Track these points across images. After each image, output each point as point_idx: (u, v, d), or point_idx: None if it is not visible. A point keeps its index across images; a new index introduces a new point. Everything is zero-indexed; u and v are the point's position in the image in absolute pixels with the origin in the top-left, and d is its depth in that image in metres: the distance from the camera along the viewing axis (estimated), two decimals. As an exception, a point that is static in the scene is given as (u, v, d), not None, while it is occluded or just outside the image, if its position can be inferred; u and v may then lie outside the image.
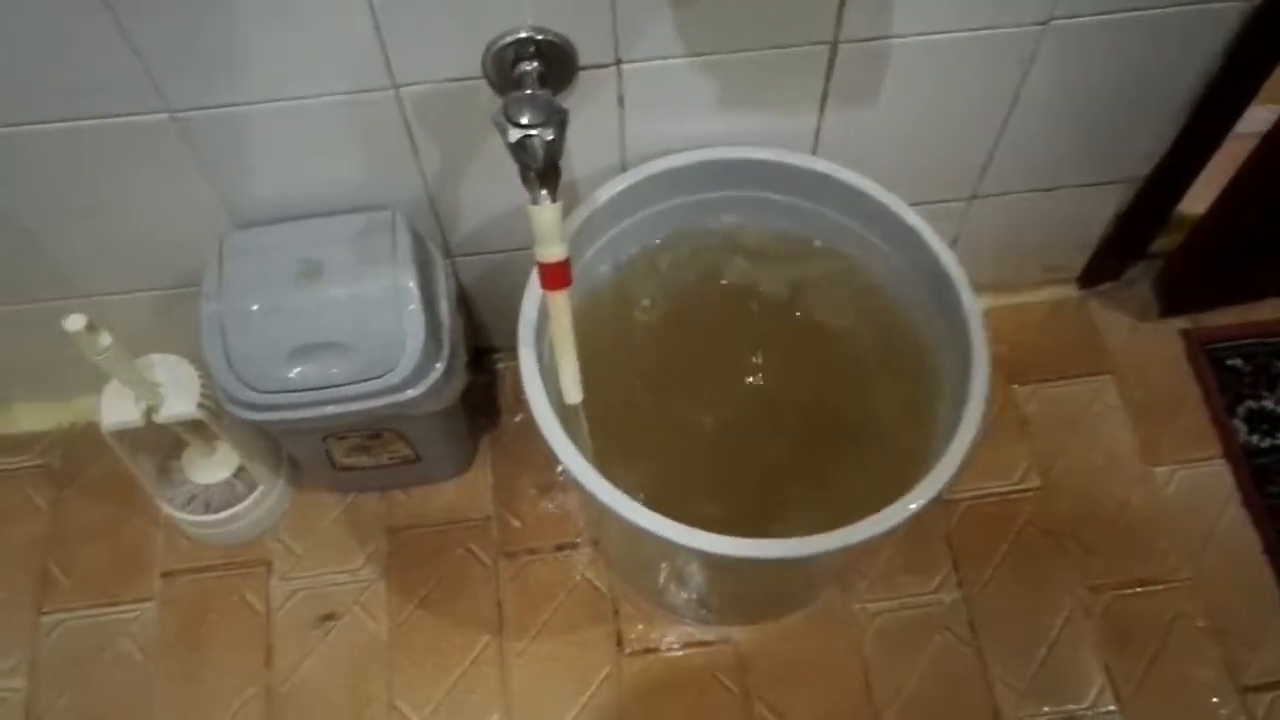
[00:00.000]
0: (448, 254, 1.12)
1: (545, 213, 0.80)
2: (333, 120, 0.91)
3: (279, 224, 1.00)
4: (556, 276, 0.83)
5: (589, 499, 0.84)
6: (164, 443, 1.18)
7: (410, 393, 0.98)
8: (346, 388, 0.97)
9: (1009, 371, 1.29)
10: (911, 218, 0.95)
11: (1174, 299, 1.32)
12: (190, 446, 1.16)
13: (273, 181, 0.98)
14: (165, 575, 1.19)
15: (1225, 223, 1.21)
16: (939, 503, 1.18)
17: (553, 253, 0.81)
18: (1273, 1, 0.91)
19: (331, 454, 1.12)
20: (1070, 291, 1.35)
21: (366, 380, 0.97)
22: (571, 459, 0.84)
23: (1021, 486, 1.22)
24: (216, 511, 1.16)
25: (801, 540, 0.80)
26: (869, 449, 0.96)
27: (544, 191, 0.80)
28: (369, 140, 0.95)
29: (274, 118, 0.90)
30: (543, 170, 0.79)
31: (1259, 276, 1.31)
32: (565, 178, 1.02)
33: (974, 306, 0.90)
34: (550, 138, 0.77)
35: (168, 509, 1.16)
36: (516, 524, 1.21)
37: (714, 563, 0.95)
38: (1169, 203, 1.20)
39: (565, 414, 0.90)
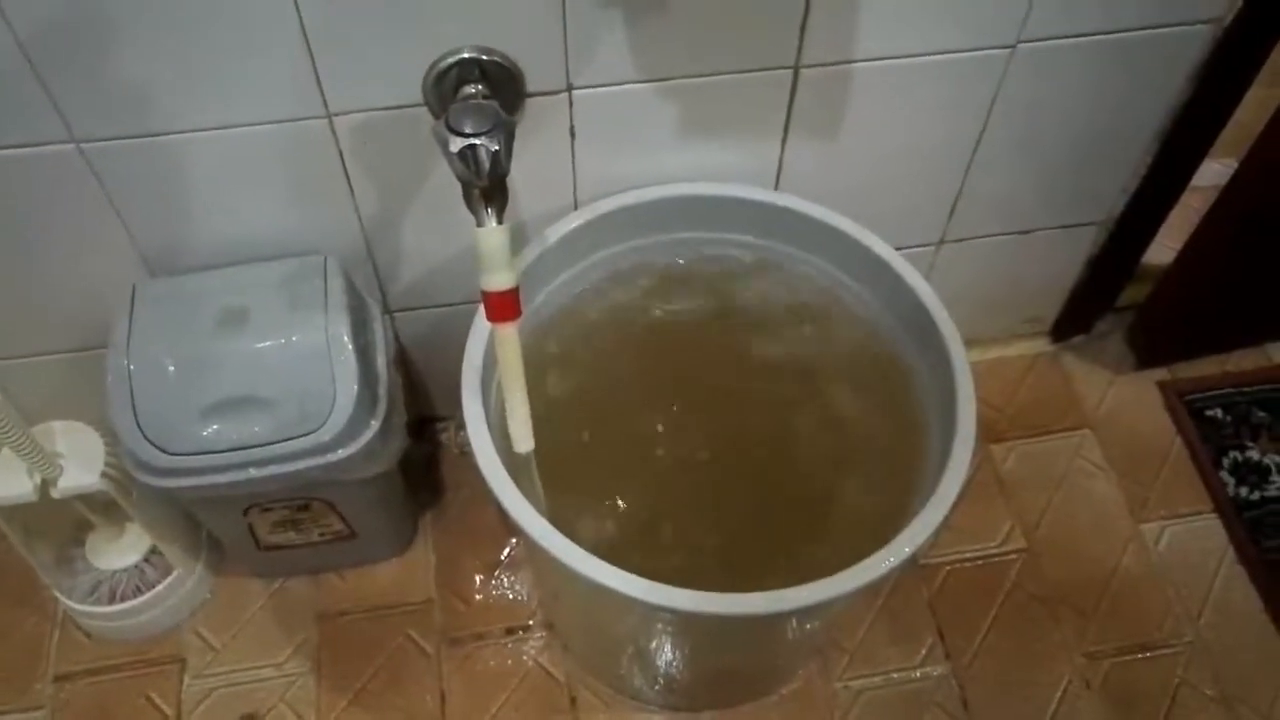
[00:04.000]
0: (386, 309, 1.04)
1: (491, 236, 0.73)
2: (259, 153, 0.84)
3: (199, 272, 0.91)
4: (504, 307, 0.75)
5: (544, 562, 0.75)
6: (65, 525, 1.05)
7: (342, 452, 0.89)
8: (270, 447, 0.87)
9: (985, 429, 1.23)
10: (882, 250, 0.90)
11: (1148, 351, 1.28)
12: (96, 529, 1.04)
13: (194, 224, 0.90)
14: (59, 679, 1.05)
15: (1192, 273, 1.19)
16: (927, 551, 1.11)
17: (499, 280, 0.74)
18: (1241, 25, 0.89)
19: (256, 530, 1.01)
20: (1043, 346, 1.30)
21: (293, 439, 0.87)
22: (523, 513, 0.74)
23: (1006, 548, 1.15)
24: (123, 601, 1.03)
25: (781, 594, 0.71)
26: (851, 496, 0.88)
27: (490, 211, 0.73)
28: (300, 177, 0.87)
29: (193, 149, 0.82)
30: (488, 188, 0.72)
31: (1230, 326, 1.28)
32: (513, 220, 0.96)
33: (954, 336, 0.84)
34: (496, 148, 0.70)
35: (65, 601, 1.03)
36: (462, 607, 1.10)
37: (682, 627, 0.85)
38: (1138, 248, 1.17)
39: (516, 466, 0.81)
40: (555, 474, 0.85)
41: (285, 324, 0.87)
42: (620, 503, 0.87)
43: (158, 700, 1.04)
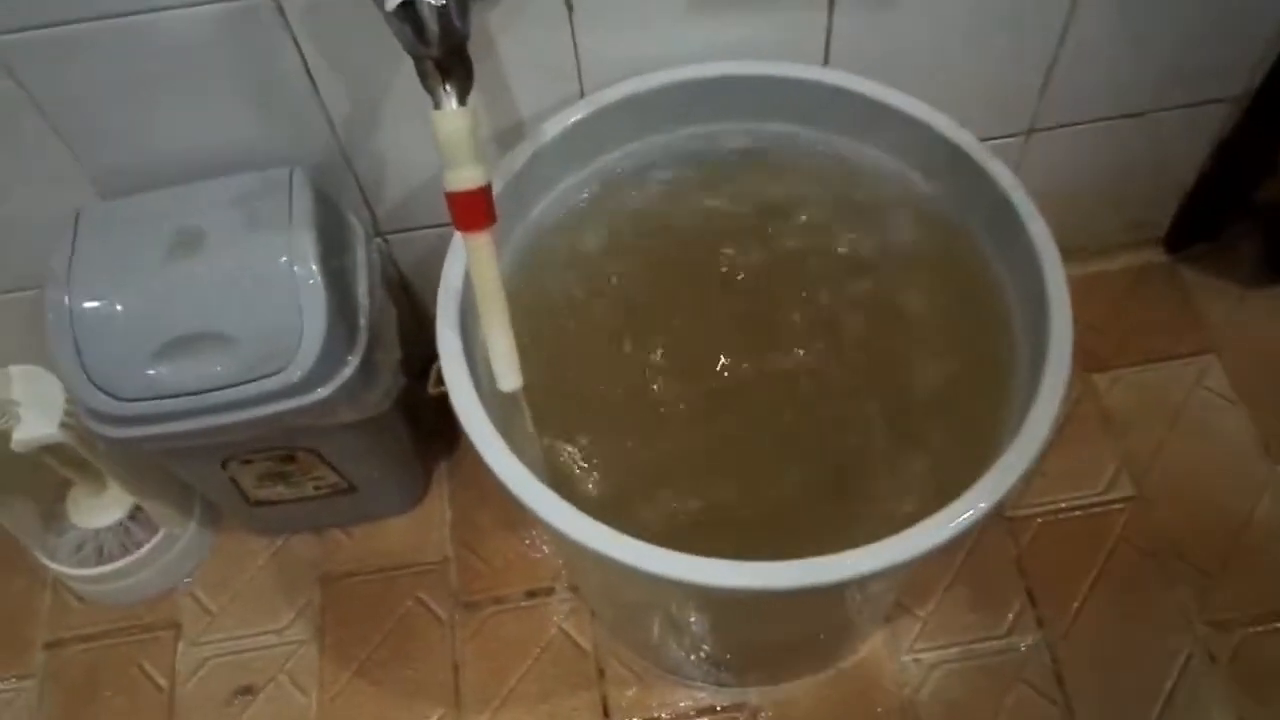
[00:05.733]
0: (377, 231, 0.91)
1: (450, 120, 0.59)
2: (199, 44, 0.71)
3: (149, 192, 0.79)
4: (472, 211, 0.61)
5: (541, 524, 0.62)
6: (49, 482, 0.96)
7: (317, 394, 0.77)
8: (232, 390, 0.75)
9: (1085, 355, 1.04)
10: (956, 133, 0.73)
11: (1286, 259, 1.07)
12: (75, 485, 0.95)
13: (143, 136, 0.78)
14: (50, 645, 0.97)
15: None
16: (1015, 500, 0.95)
17: (465, 177, 0.60)
18: None
19: (240, 484, 0.90)
20: (1156, 256, 1.11)
21: (258, 379, 0.75)
22: (502, 462, 0.61)
23: (1110, 496, 0.97)
24: (109, 562, 0.94)
25: (821, 563, 0.57)
26: (919, 432, 0.72)
27: (448, 89, 0.59)
28: (251, 72, 0.74)
29: (121, 42, 0.70)
30: (442, 58, 0.58)
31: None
32: (509, 120, 0.82)
33: (1043, 235, 0.68)
34: (442, 2, 0.55)
35: (48, 562, 0.95)
36: (480, 567, 0.98)
37: (710, 598, 0.71)
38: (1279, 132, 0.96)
39: (506, 407, 0.68)
40: (558, 415, 0.72)
41: (243, 247, 0.75)
42: (636, 447, 0.73)
43: (150, 669, 0.95)
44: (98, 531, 0.95)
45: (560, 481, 0.71)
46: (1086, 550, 0.94)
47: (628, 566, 0.58)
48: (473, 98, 0.61)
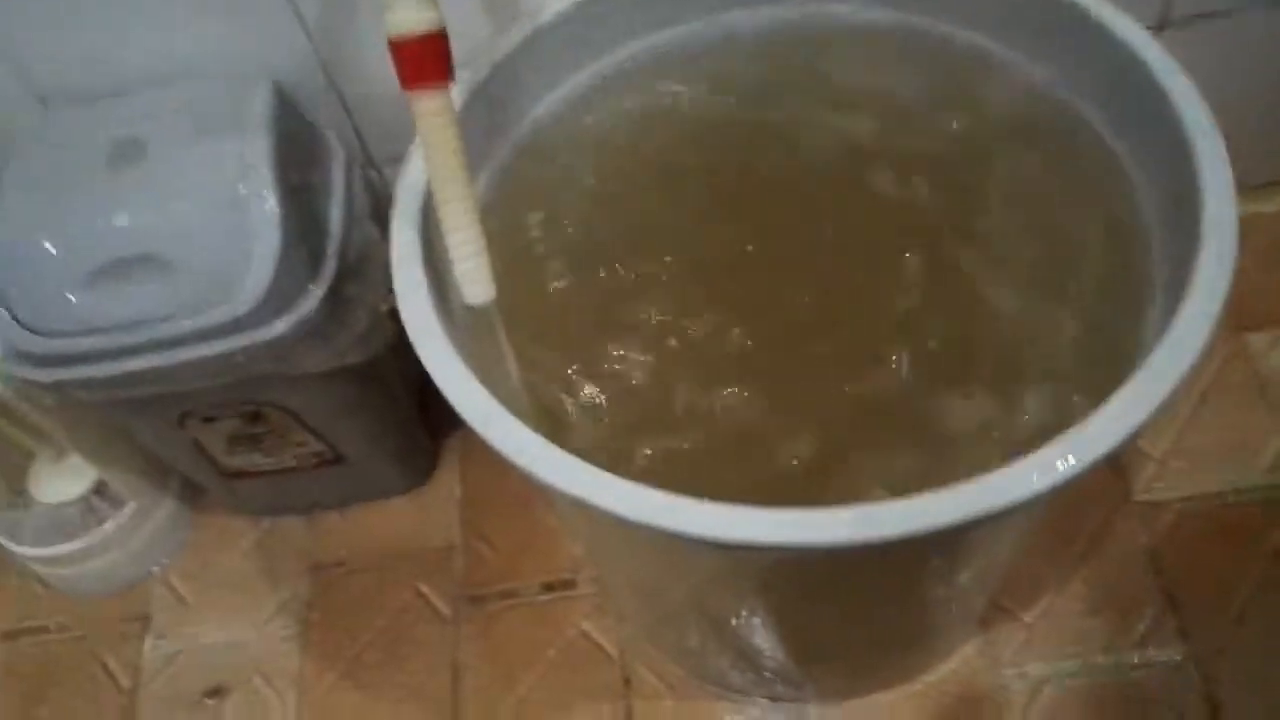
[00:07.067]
0: (370, 162, 0.78)
1: (386, -65, 0.45)
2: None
3: (95, 102, 0.68)
4: (422, 61, 0.47)
5: (513, 469, 0.48)
6: (10, 454, 0.85)
7: (276, 327, 0.63)
8: (173, 323, 0.63)
9: (1235, 312, 0.84)
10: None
11: None
12: (37, 455, 0.84)
13: (84, 37, 0.67)
14: (7, 636, 0.86)
15: None
16: (1149, 482, 0.76)
17: (409, 19, 0.46)
18: None
19: (207, 449, 0.78)
20: (1318, 191, 0.91)
21: (203, 311, 0.62)
22: (454, 382, 0.47)
23: (1275, 480, 0.77)
24: (71, 541, 0.83)
25: (890, 508, 0.40)
26: (1010, 375, 0.55)
27: (380, -106, 0.45)
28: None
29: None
30: None
31: None
32: (510, 6, 0.68)
33: (1189, 93, 0.52)
34: None
35: (9, 543, 0.84)
36: (489, 555, 0.84)
37: (740, 573, 0.55)
38: None
39: (480, 329, 0.53)
40: (552, 341, 0.57)
41: (186, 157, 0.63)
42: (646, 380, 0.57)
43: (113, 666, 0.83)
44: (59, 507, 0.83)
45: (558, 425, 0.56)
46: (1243, 546, 0.74)
47: (620, 517, 0.43)
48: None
